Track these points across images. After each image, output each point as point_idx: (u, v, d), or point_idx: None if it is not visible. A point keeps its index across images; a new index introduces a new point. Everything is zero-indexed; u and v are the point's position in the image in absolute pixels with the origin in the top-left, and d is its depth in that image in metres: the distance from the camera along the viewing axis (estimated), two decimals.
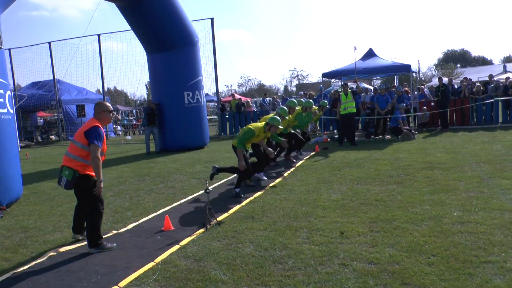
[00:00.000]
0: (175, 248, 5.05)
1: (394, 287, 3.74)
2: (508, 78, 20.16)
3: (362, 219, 5.70)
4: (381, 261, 4.28)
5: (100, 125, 5.13)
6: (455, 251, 4.42)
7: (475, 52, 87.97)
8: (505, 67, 52.54)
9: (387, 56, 49.41)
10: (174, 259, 4.72)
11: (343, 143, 13.99)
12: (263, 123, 8.15)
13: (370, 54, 17.68)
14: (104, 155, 5.27)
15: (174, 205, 7.27)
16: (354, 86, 16.80)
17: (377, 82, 21.93)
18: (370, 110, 16.19)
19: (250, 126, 7.93)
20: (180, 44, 14.81)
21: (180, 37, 14.79)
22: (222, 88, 66.17)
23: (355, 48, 17.16)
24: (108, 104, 5.37)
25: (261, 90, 56.98)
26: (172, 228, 5.84)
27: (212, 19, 20.28)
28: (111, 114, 5.33)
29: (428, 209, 5.97)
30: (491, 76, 20.05)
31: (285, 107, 9.65)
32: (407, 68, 16.71)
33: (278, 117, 8.11)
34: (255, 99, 29.24)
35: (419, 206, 6.12)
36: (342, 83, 18.05)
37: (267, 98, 22.55)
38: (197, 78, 15.38)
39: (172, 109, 15.04)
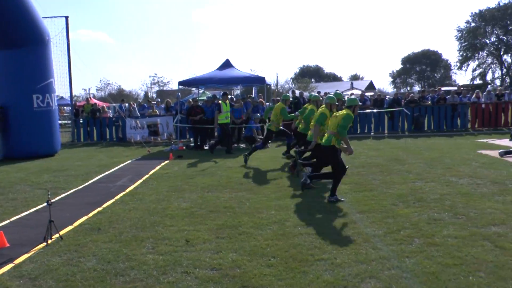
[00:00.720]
0: (7, 267, 4.64)
1: None
2: (352, 94, 22.49)
3: (209, 226, 5.85)
4: (223, 266, 4.44)
5: None
6: (294, 251, 4.79)
7: (327, 69, 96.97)
8: (352, 84, 58.69)
9: (247, 68, 51.53)
10: (4, 280, 4.32)
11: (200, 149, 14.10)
12: (322, 109, 8.43)
13: (227, 64, 18.05)
14: None
15: (13, 219, 6.65)
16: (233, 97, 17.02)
17: (236, 92, 22.69)
18: None
19: (321, 111, 8.33)
20: (29, 42, 13.58)
21: (29, 34, 13.56)
22: (79, 92, 62.44)
23: (227, 60, 17.67)
24: None
25: (121, 95, 55.00)
26: (7, 245, 5.34)
27: (66, 18, 19.04)
28: None
29: (274, 213, 6.35)
30: None
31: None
32: (261, 80, 17.58)
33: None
34: (113, 104, 28.06)
35: (265, 212, 6.47)
36: (222, 92, 18.17)
37: (125, 104, 21.87)
38: (48, 80, 14.26)
39: (18, 113, 13.68)
